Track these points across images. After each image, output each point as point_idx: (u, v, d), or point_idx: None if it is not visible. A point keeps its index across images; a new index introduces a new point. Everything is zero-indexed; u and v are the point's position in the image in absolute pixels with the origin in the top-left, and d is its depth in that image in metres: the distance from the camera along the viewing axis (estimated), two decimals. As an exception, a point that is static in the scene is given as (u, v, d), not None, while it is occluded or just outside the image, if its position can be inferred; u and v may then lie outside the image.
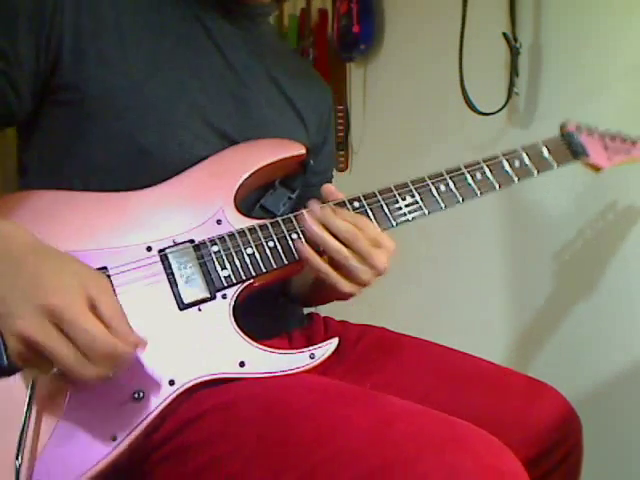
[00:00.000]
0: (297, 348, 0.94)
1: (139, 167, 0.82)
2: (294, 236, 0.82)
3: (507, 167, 0.94)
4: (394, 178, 0.91)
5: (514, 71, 1.55)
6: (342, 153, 2.14)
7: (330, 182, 1.10)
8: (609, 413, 1.42)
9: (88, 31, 0.80)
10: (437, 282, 1.84)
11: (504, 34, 1.55)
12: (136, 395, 0.72)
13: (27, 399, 0.69)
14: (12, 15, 0.77)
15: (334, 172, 1.14)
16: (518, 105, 1.59)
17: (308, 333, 1.00)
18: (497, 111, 1.58)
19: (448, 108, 1.75)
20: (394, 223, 0.86)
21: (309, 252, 0.80)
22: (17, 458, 0.66)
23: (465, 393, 0.90)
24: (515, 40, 1.55)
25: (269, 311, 0.92)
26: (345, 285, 0.81)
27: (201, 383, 0.75)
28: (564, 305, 1.52)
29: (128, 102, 0.81)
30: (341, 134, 2.11)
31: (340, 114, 2.10)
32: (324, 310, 1.11)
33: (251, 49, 0.95)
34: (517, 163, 0.95)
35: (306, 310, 1.05)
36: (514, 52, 1.55)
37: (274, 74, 0.98)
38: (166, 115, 0.83)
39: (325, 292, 0.89)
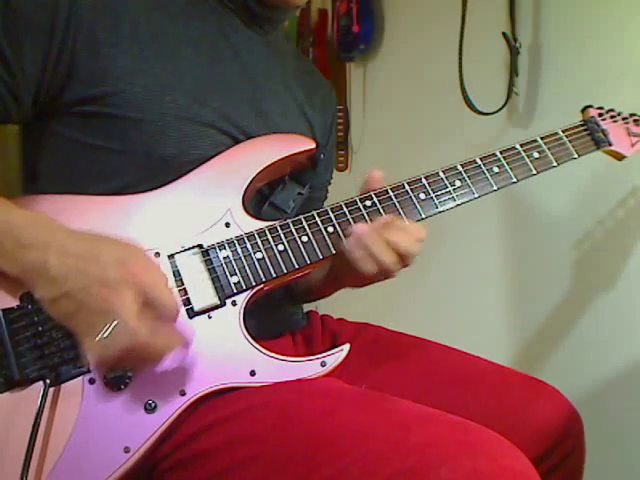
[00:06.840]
0: (300, 349, 0.96)
1: (158, 176, 0.81)
2: (304, 239, 0.81)
3: (526, 159, 0.91)
4: (394, 178, 0.91)
5: (514, 71, 1.56)
6: (342, 153, 2.13)
7: (329, 184, 1.10)
8: (610, 413, 1.42)
9: (105, 45, 0.78)
10: (438, 281, 1.84)
11: (504, 34, 1.55)
12: (148, 405, 0.72)
13: (35, 413, 0.68)
14: (20, 27, 0.74)
15: (334, 172, 1.14)
16: (518, 105, 1.59)
17: (308, 332, 1.00)
18: (497, 111, 1.58)
19: (448, 108, 1.75)
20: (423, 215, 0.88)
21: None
22: (22, 478, 0.66)
23: (464, 393, 0.90)
24: (515, 40, 1.55)
25: (272, 312, 0.92)
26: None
27: (212, 392, 0.75)
28: (566, 306, 1.52)
29: (147, 114, 0.79)
30: (341, 134, 2.11)
31: (340, 114, 2.09)
32: (323, 308, 1.11)
33: (268, 54, 0.94)
34: (536, 154, 0.92)
35: (305, 308, 1.05)
36: (514, 52, 1.55)
37: (286, 78, 0.97)
38: (185, 126, 0.81)
39: (342, 282, 0.96)
